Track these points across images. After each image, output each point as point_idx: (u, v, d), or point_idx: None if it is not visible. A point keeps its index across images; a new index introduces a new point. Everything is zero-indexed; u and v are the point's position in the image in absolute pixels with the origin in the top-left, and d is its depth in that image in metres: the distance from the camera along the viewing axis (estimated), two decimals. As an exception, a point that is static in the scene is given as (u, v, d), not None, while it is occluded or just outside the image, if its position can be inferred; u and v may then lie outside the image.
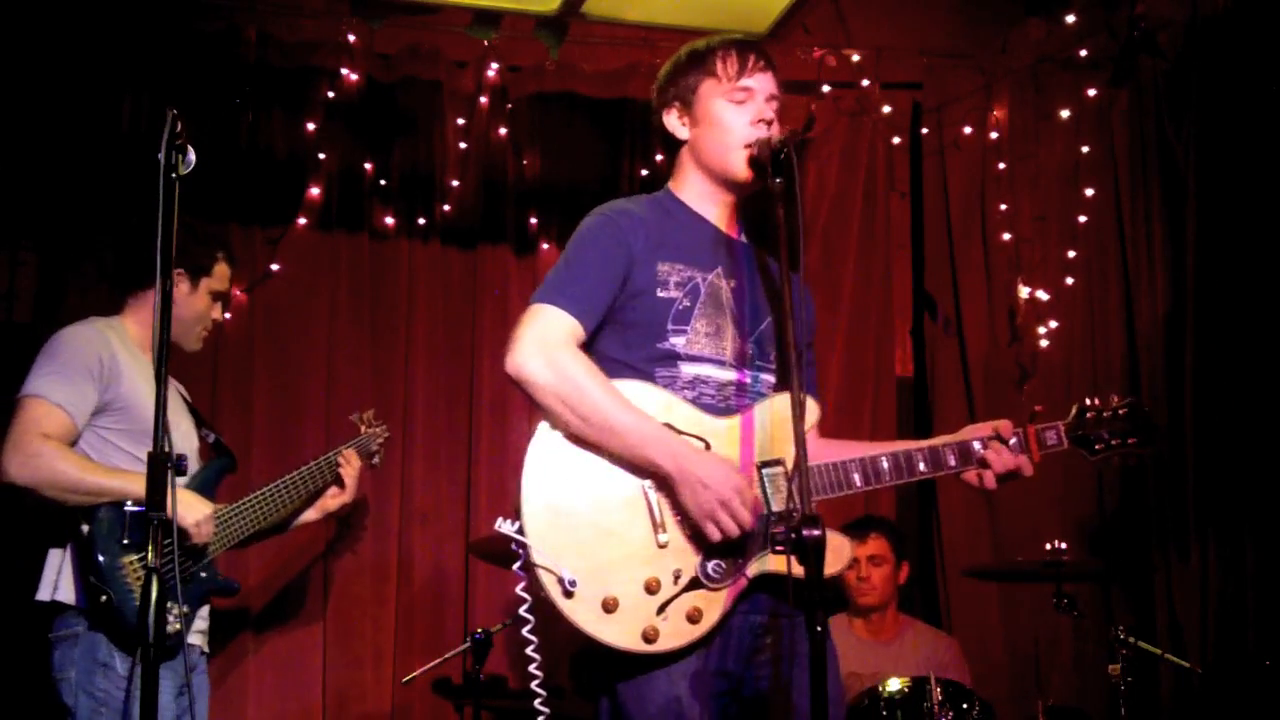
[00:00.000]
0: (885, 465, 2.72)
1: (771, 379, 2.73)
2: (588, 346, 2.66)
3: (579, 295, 2.62)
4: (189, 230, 3.73)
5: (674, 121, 2.81)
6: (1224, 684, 4.60)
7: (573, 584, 2.46)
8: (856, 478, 2.70)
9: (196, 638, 3.52)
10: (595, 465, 2.55)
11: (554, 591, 2.47)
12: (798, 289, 2.68)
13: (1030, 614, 5.14)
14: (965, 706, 4.21)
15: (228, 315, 3.94)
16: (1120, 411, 2.89)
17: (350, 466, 4.08)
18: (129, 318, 3.64)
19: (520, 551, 2.49)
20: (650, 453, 2.52)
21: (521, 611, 2.56)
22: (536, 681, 2.64)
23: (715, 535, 2.51)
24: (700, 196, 2.81)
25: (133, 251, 3.72)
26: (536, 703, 2.66)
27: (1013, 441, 2.77)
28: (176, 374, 3.70)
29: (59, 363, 3.39)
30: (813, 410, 2.71)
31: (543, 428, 2.57)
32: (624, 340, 2.66)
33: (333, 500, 4.07)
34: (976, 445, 2.75)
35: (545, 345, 2.55)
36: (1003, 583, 5.21)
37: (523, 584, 2.54)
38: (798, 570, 2.21)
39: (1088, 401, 2.91)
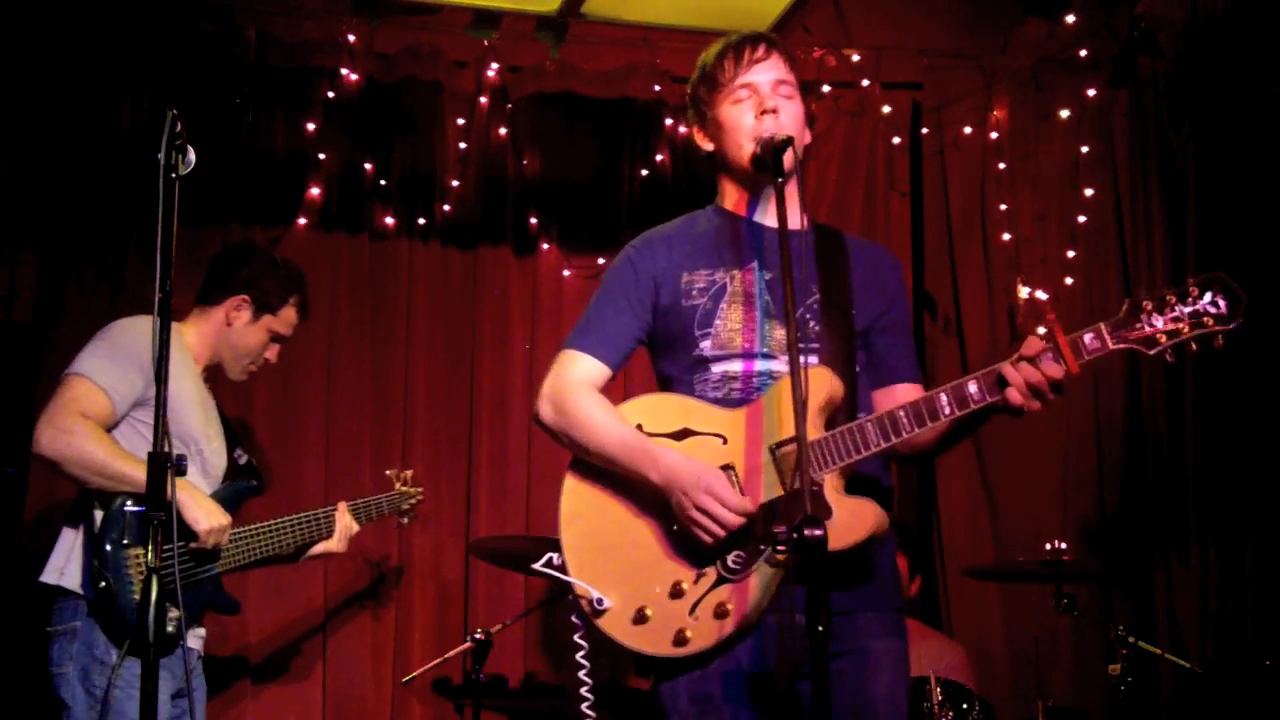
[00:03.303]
0: (903, 415, 2.53)
1: (815, 359, 2.65)
2: (653, 370, 2.82)
3: (595, 336, 2.77)
4: (271, 263, 3.78)
5: (699, 139, 2.86)
6: (1224, 684, 4.60)
7: (600, 603, 2.59)
8: (873, 434, 2.54)
9: (195, 641, 3.52)
10: (618, 486, 2.66)
11: (590, 613, 2.61)
12: (857, 263, 2.78)
13: (1030, 614, 5.14)
14: (965, 707, 4.21)
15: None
16: (1193, 291, 2.50)
17: (344, 518, 3.95)
18: (190, 326, 3.70)
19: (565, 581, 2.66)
20: (641, 469, 2.60)
21: (575, 638, 2.75)
22: (586, 687, 2.80)
23: (706, 539, 2.54)
24: (738, 198, 2.82)
25: (218, 268, 3.78)
26: (584, 707, 2.84)
27: (1046, 356, 2.50)
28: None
29: (113, 348, 3.42)
30: (823, 387, 2.56)
31: (572, 462, 2.73)
32: (669, 356, 2.76)
33: (318, 547, 3.93)
34: (997, 376, 2.55)
35: (554, 390, 2.74)
36: (1003, 583, 5.21)
37: (573, 610, 2.69)
38: (797, 572, 2.20)
39: (1148, 292, 2.52)
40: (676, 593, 2.56)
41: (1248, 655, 4.60)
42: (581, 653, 2.76)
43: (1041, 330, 2.57)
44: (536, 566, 2.70)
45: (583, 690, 2.80)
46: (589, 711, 2.82)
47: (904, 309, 2.90)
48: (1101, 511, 5.25)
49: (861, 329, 2.77)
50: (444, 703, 5.05)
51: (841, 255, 2.80)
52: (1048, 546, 4.32)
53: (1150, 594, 5.02)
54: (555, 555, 2.68)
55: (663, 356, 2.78)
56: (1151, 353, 2.52)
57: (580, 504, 2.69)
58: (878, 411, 2.63)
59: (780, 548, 2.21)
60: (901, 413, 2.54)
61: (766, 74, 2.75)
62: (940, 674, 4.36)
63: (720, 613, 2.53)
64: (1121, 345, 2.52)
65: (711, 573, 2.56)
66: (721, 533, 2.52)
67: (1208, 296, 2.51)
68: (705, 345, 2.69)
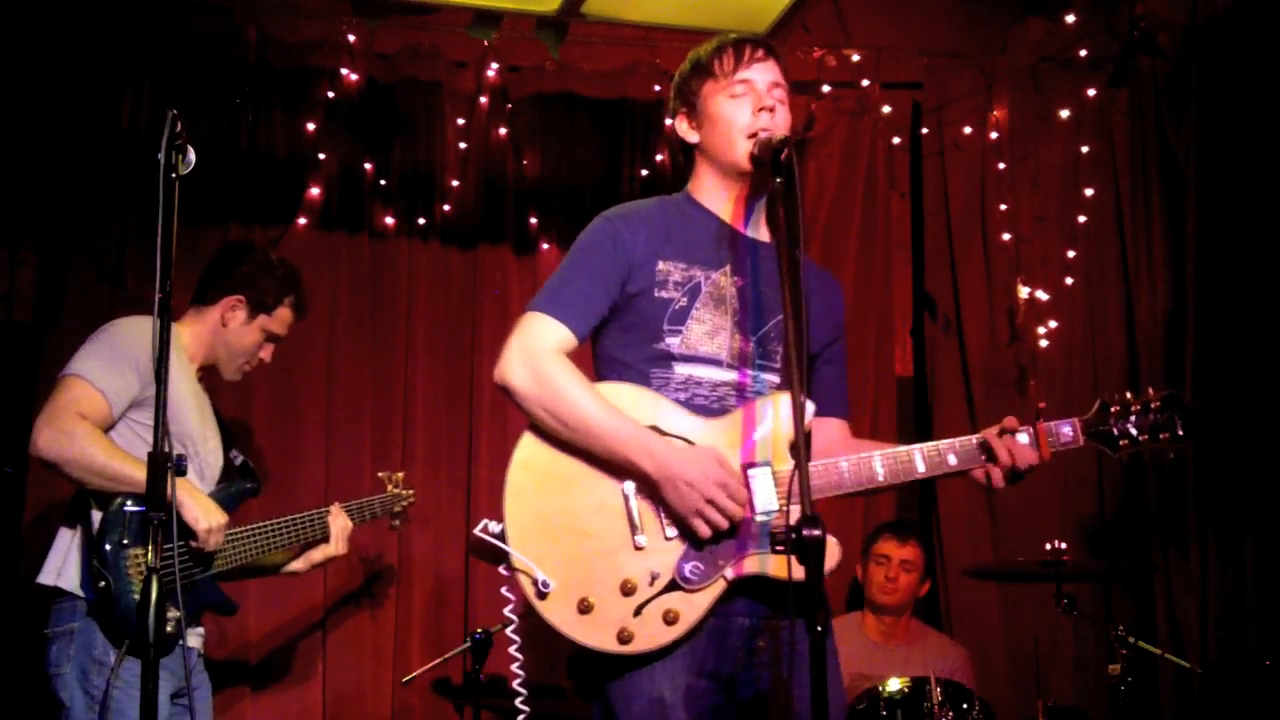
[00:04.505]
0: (879, 466, 2.63)
1: (775, 379, 2.69)
2: (596, 348, 2.73)
3: (570, 303, 2.66)
4: (265, 263, 3.77)
5: (683, 127, 2.84)
6: (1224, 684, 4.60)
7: (546, 585, 2.51)
8: (848, 478, 2.62)
9: (194, 640, 3.52)
10: (577, 469, 2.59)
11: (530, 593, 2.54)
12: (815, 288, 2.77)
13: (1030, 614, 5.15)
14: (965, 707, 4.21)
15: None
16: (1154, 405, 2.73)
17: (340, 518, 3.94)
18: (186, 325, 3.70)
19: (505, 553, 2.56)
20: (629, 453, 2.54)
21: (506, 611, 2.63)
22: (519, 680, 2.69)
23: (705, 531, 2.52)
24: (714, 195, 2.80)
25: (213, 268, 3.77)
26: (518, 701, 2.71)
27: (1021, 438, 2.65)
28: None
29: (109, 349, 3.41)
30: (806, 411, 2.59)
31: (528, 433, 2.63)
32: (625, 341, 2.70)
33: (318, 553, 3.91)
34: (978, 442, 2.65)
35: (528, 354, 2.61)
36: (1003, 583, 5.21)
37: (508, 585, 2.59)
38: (794, 572, 2.19)
39: (1114, 396, 2.76)
40: (627, 590, 2.53)
41: (1248, 655, 4.60)
42: (513, 630, 2.64)
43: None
44: (475, 532, 2.55)
45: (516, 684, 2.68)
46: (523, 706, 2.70)
47: (844, 342, 2.94)
48: (1101, 511, 5.25)
49: (812, 355, 2.79)
50: (444, 703, 5.04)
51: (802, 278, 2.77)
52: (1048, 546, 4.32)
53: (1150, 594, 5.02)
54: (494, 523, 2.56)
55: (617, 339, 2.71)
56: (1114, 455, 2.75)
57: (532, 478, 2.59)
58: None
59: (779, 547, 2.20)
60: (878, 464, 2.63)
61: (764, 74, 2.76)
62: (942, 674, 4.36)
63: (669, 619, 2.52)
64: (1091, 444, 2.73)
65: (666, 577, 2.54)
66: (724, 524, 2.51)
67: (1165, 414, 2.73)
68: (673, 342, 2.66)
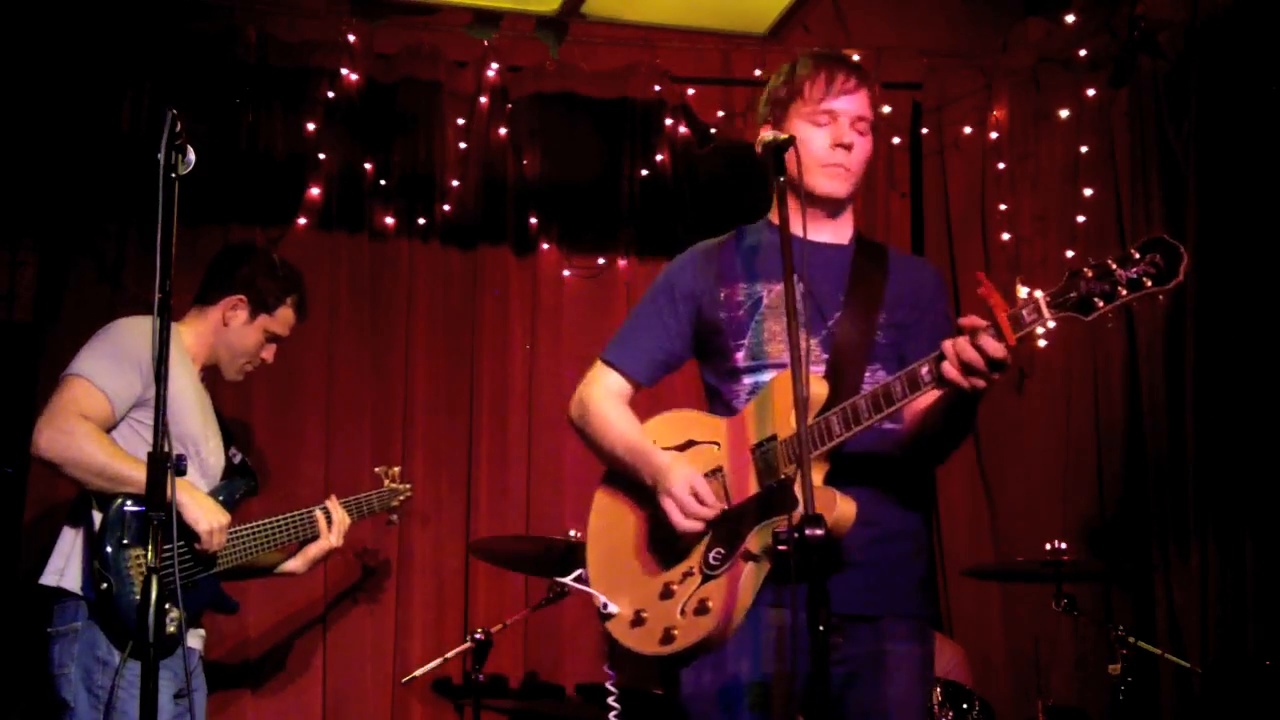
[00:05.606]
0: (863, 404, 2.54)
1: (821, 370, 2.71)
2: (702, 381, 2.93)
3: (626, 351, 2.93)
4: (267, 263, 3.78)
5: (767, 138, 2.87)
6: (1224, 684, 4.60)
7: (605, 607, 2.76)
8: (836, 425, 2.56)
9: (195, 641, 3.52)
10: (633, 499, 2.82)
11: (601, 618, 2.79)
12: (894, 274, 2.89)
13: (1030, 614, 5.15)
14: (965, 706, 4.21)
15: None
16: (1134, 254, 2.36)
17: (337, 512, 3.91)
18: (188, 326, 3.70)
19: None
20: (638, 471, 2.77)
21: (606, 625, 2.87)
22: (613, 697, 2.87)
23: (683, 529, 2.67)
24: (791, 210, 2.80)
25: (215, 268, 3.78)
26: (612, 716, 2.90)
27: (986, 333, 2.43)
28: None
29: (112, 349, 3.42)
30: (818, 390, 2.59)
31: (600, 485, 2.92)
32: (711, 367, 2.88)
33: (314, 549, 3.87)
34: (941, 345, 2.47)
35: (582, 396, 2.93)
36: (1003, 583, 5.21)
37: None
38: (798, 568, 2.23)
39: (1089, 260, 2.42)
40: (667, 593, 2.69)
41: (1248, 655, 4.60)
42: (608, 664, 2.87)
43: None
44: (566, 581, 2.94)
45: (610, 700, 2.88)
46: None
47: (938, 317, 2.87)
48: (1101, 511, 5.25)
49: (889, 342, 2.79)
50: (444, 703, 5.05)
51: (879, 270, 2.88)
52: (1048, 546, 4.32)
53: (1150, 594, 5.02)
54: (583, 571, 2.88)
55: (705, 366, 2.90)
56: (1089, 318, 2.40)
57: (603, 520, 2.88)
58: (909, 421, 2.71)
59: (781, 546, 2.22)
60: (861, 401, 2.57)
61: (850, 106, 2.80)
62: (939, 674, 4.36)
63: (701, 609, 2.62)
64: (1060, 315, 2.42)
65: (696, 571, 2.66)
66: (696, 526, 2.64)
67: (1147, 258, 2.37)
68: (739, 356, 2.77)
